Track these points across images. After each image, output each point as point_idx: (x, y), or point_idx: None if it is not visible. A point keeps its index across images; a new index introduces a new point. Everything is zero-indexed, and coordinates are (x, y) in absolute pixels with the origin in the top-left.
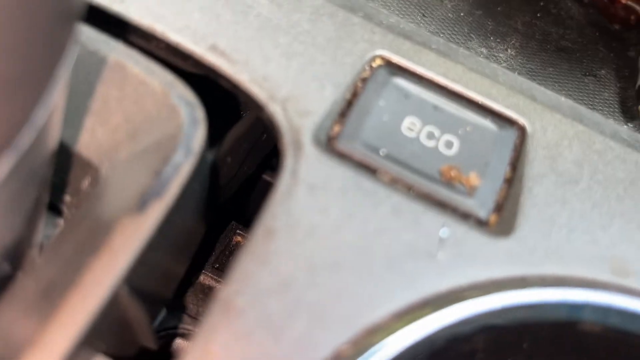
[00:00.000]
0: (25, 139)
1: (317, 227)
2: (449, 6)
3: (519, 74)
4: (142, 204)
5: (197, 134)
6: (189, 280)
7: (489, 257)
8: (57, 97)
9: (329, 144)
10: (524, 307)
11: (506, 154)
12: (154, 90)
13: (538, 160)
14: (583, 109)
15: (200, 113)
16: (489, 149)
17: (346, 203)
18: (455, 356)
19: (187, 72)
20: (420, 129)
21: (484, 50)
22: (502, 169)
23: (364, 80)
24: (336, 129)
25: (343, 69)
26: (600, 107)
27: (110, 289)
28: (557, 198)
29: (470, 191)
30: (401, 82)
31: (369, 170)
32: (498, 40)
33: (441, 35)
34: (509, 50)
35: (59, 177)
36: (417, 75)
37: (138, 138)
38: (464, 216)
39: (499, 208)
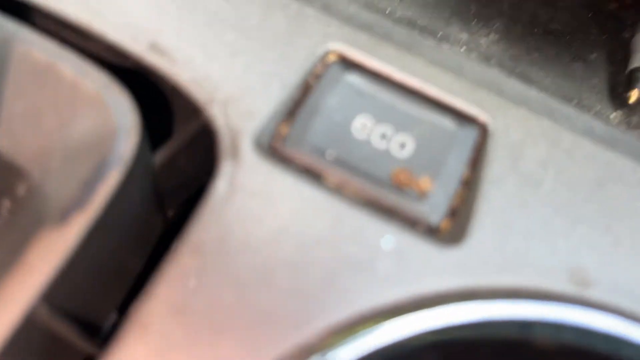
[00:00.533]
0: None
1: (250, 240)
2: None
3: (499, 60)
4: (63, 216)
5: (130, 142)
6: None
7: (436, 268)
8: None
9: (271, 148)
10: (472, 323)
11: (464, 155)
12: (87, 94)
13: (499, 161)
14: (555, 103)
15: (134, 118)
16: (446, 150)
17: (285, 212)
18: None
19: (131, 70)
20: (372, 129)
21: (464, 35)
22: (458, 171)
23: (316, 78)
24: (282, 130)
25: (293, 66)
26: (588, 95)
27: (21, 314)
28: (516, 202)
29: (421, 196)
30: (354, 78)
31: (314, 175)
32: (481, 24)
33: (418, 20)
34: (491, 35)
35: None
36: (372, 71)
37: (72, 144)
38: (412, 223)
39: (452, 213)
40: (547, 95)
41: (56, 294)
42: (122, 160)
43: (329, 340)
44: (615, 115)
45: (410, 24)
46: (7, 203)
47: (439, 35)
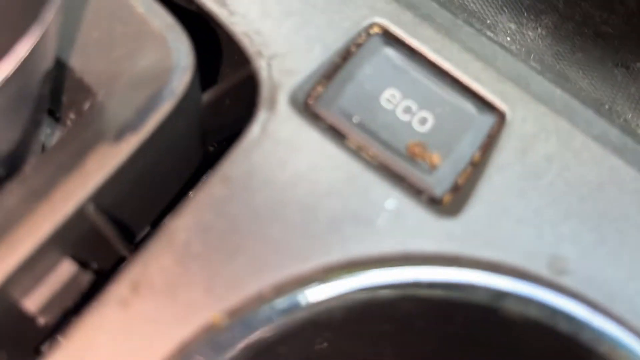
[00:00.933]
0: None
1: (272, 180)
2: None
3: (541, 55)
4: (118, 135)
5: (183, 79)
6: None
7: (429, 233)
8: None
9: (305, 105)
10: (449, 284)
11: (478, 139)
12: (153, 32)
13: (508, 150)
14: (577, 105)
15: (189, 60)
16: (462, 131)
17: (305, 162)
18: (374, 319)
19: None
20: (398, 102)
21: (512, 25)
22: (469, 153)
23: (358, 46)
24: (317, 90)
25: (337, 32)
26: (621, 102)
27: (75, 207)
28: (516, 189)
29: (431, 169)
30: (392, 52)
31: (339, 135)
32: (532, 17)
33: (471, 5)
34: (539, 29)
35: (67, 98)
36: (409, 48)
37: (133, 74)
38: (417, 192)
39: (455, 189)
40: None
41: (103, 198)
42: (175, 94)
43: (318, 276)
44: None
45: (462, 6)
46: (72, 114)
47: (487, 22)
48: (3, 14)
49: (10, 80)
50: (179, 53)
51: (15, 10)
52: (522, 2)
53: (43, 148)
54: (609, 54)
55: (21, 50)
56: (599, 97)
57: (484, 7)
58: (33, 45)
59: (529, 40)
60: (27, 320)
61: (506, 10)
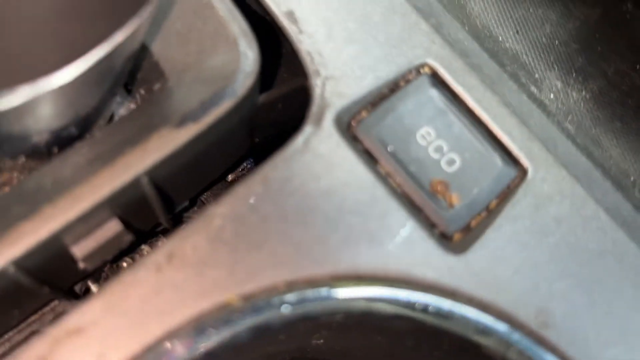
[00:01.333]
0: (122, 35)
1: (304, 189)
2: (548, 31)
3: (580, 118)
4: (181, 122)
5: (246, 83)
6: (222, 186)
7: (432, 264)
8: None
9: (347, 126)
10: (441, 313)
11: (497, 188)
12: (227, 35)
13: (523, 204)
14: (598, 175)
15: (255, 66)
16: (484, 179)
17: (337, 179)
18: (369, 328)
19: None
20: (432, 140)
21: (559, 83)
22: (487, 199)
23: (406, 82)
24: (362, 115)
25: (391, 66)
26: None
27: (133, 177)
28: (522, 241)
29: (448, 207)
30: (436, 94)
31: (372, 159)
32: (580, 79)
33: (525, 56)
34: (584, 92)
35: (141, 75)
36: (453, 93)
37: (203, 69)
38: (432, 225)
39: (467, 230)
40: (604, 161)
41: (157, 173)
42: (236, 95)
43: (326, 281)
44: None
45: (514, 57)
46: (142, 90)
47: (535, 76)
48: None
49: (103, 59)
50: (247, 59)
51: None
52: (573, 63)
53: (112, 115)
54: None
55: (118, 37)
56: (626, 169)
57: (536, 61)
58: (128, 35)
59: (571, 100)
60: (71, 263)
61: (556, 68)
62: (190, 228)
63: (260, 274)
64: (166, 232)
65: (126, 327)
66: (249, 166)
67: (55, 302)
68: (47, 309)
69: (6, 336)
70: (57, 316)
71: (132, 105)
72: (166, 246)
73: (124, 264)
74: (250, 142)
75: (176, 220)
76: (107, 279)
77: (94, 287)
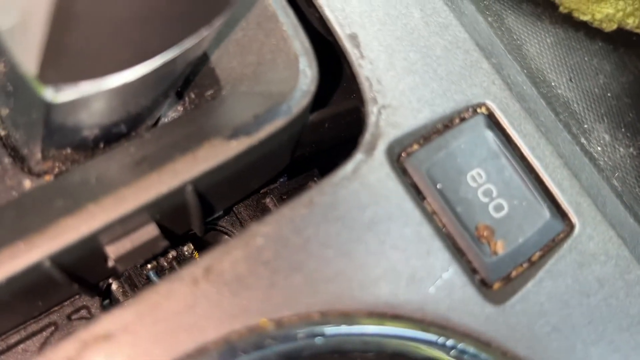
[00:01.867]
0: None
1: (350, 218)
2: (601, 82)
3: (625, 175)
4: (233, 134)
5: (301, 102)
6: (254, 198)
7: (471, 312)
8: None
9: (398, 157)
10: None
11: (543, 240)
12: (289, 51)
13: (567, 260)
14: None
15: (312, 86)
16: (531, 229)
17: (383, 210)
18: None
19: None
20: (482, 183)
21: (606, 137)
22: (531, 250)
23: (462, 120)
24: (413, 148)
25: (448, 101)
26: None
27: (179, 184)
28: (562, 299)
29: (492, 254)
30: (491, 136)
31: (419, 194)
32: (628, 134)
33: (576, 105)
34: (631, 148)
35: (195, 79)
36: (508, 137)
37: (260, 81)
38: (473, 271)
39: (507, 279)
40: None
41: (202, 182)
42: (291, 113)
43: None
44: None
45: (565, 105)
46: (192, 95)
47: (585, 126)
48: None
49: (167, 64)
50: (305, 78)
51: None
52: (623, 117)
53: (160, 116)
54: None
55: (186, 44)
56: None
57: (586, 111)
58: (196, 42)
59: (618, 155)
60: (103, 263)
61: (605, 120)
62: (231, 244)
63: (296, 301)
64: (195, 238)
65: (156, 338)
66: (281, 180)
67: (76, 296)
68: (67, 302)
69: (23, 325)
70: (76, 310)
71: (180, 108)
72: (204, 260)
73: (148, 265)
74: (292, 157)
75: (207, 228)
76: (128, 277)
77: (115, 284)
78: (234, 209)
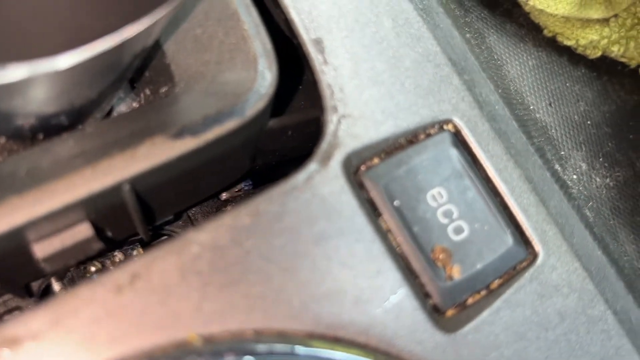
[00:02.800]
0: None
1: (297, 230)
2: (582, 109)
3: (600, 206)
4: (178, 133)
5: (257, 105)
6: (213, 204)
7: (419, 339)
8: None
9: (356, 170)
10: None
11: (503, 268)
12: (248, 51)
13: (527, 290)
14: (612, 274)
15: (271, 89)
16: (491, 255)
17: (334, 225)
18: None
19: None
20: (442, 203)
21: (584, 165)
22: (490, 277)
23: (427, 135)
24: (373, 161)
25: (413, 115)
26: None
27: (114, 182)
28: (518, 331)
29: (447, 279)
30: (456, 154)
31: (374, 210)
32: (606, 164)
33: (553, 130)
34: (608, 179)
35: (150, 75)
36: (474, 157)
37: (215, 81)
38: (426, 295)
39: (462, 307)
40: (618, 257)
41: (141, 183)
42: (244, 116)
43: (299, 338)
44: None
45: (543, 130)
46: (148, 90)
47: (561, 153)
48: None
49: (108, 52)
50: (264, 80)
51: None
52: (601, 146)
53: (112, 109)
54: None
55: (127, 33)
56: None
57: (564, 137)
58: (139, 32)
59: (594, 185)
60: (30, 262)
61: (584, 148)
62: (163, 250)
63: (230, 316)
64: (144, 242)
65: (68, 349)
66: (245, 187)
67: (9, 296)
68: None
69: None
70: (9, 311)
71: (135, 104)
72: (132, 265)
73: (92, 268)
74: (252, 164)
75: (156, 234)
76: (72, 280)
77: (56, 286)
78: (189, 213)
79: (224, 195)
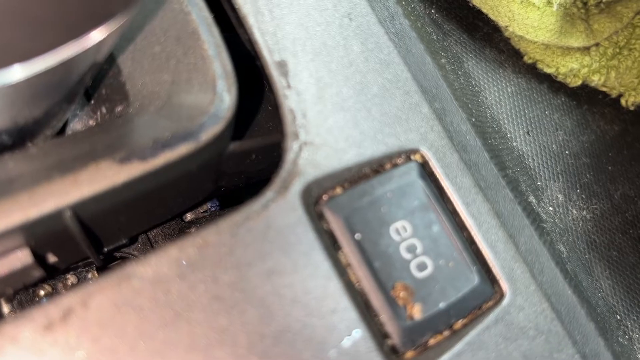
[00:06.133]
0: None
1: (247, 265)
2: (560, 138)
3: (575, 239)
4: (126, 157)
5: (213, 129)
6: (176, 225)
7: None
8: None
9: (316, 201)
10: None
11: (468, 307)
12: (207, 72)
13: (492, 332)
14: (582, 315)
15: (229, 112)
16: (455, 293)
17: (288, 259)
18: None
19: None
20: (406, 238)
21: (560, 196)
22: (453, 318)
23: (393, 165)
24: (335, 191)
25: (379, 144)
26: (634, 317)
27: (53, 209)
28: None
29: (407, 318)
30: (422, 186)
31: (333, 243)
32: (583, 196)
33: (530, 160)
34: (585, 212)
35: (106, 92)
36: (441, 189)
37: (170, 102)
38: (384, 336)
39: (422, 349)
40: (591, 294)
41: (85, 209)
42: (198, 140)
43: None
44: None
45: (519, 159)
46: (104, 108)
47: (538, 184)
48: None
49: (47, 72)
50: (222, 103)
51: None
52: (579, 177)
53: (65, 125)
54: None
55: (66, 52)
56: (614, 305)
57: (541, 167)
58: (81, 51)
59: (570, 218)
60: None
61: (561, 179)
62: (101, 284)
63: (168, 357)
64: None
65: None
66: (212, 208)
67: None
68: None
69: None
70: None
71: (91, 122)
72: (67, 300)
73: (42, 292)
74: (216, 186)
75: (109, 257)
76: (20, 303)
77: (5, 308)
78: (149, 235)
79: (188, 216)
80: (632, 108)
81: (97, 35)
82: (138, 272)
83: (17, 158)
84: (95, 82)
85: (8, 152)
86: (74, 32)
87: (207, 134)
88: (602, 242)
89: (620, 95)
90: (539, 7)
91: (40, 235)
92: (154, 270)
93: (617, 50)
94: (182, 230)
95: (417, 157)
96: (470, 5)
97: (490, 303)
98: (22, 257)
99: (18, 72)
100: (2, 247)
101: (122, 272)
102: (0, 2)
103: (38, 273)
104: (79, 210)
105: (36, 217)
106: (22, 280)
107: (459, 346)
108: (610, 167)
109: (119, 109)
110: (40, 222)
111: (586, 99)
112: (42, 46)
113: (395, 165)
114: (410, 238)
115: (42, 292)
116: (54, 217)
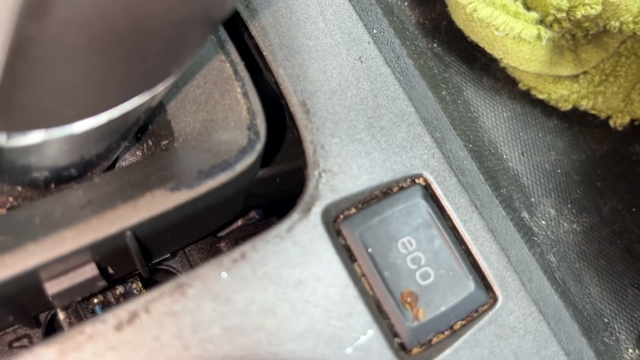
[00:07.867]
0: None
1: (277, 275)
2: (552, 158)
3: (566, 249)
4: (175, 186)
5: (246, 161)
6: (208, 241)
7: None
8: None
9: (334, 220)
10: None
11: (466, 311)
12: (240, 112)
13: (486, 332)
14: (567, 317)
15: (259, 146)
16: (454, 299)
17: (311, 269)
18: None
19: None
20: (412, 251)
21: (552, 211)
22: (453, 319)
23: (400, 188)
24: (350, 212)
25: (387, 171)
26: (621, 320)
27: (117, 230)
28: None
29: (413, 320)
30: (424, 206)
31: (350, 256)
32: (574, 210)
33: (525, 178)
34: (575, 225)
35: (153, 128)
36: (441, 208)
37: (210, 137)
38: (393, 335)
39: (427, 346)
40: (580, 299)
41: (142, 229)
42: (234, 171)
43: None
44: (632, 353)
45: (514, 177)
46: (150, 142)
47: (531, 200)
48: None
49: (112, 120)
50: (253, 138)
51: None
52: (570, 193)
53: (117, 158)
54: (630, 272)
55: (133, 103)
56: (602, 309)
57: (535, 185)
58: (144, 101)
59: (561, 230)
60: (41, 298)
61: (553, 195)
62: (159, 291)
63: (213, 353)
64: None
65: None
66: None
67: (19, 325)
68: (9, 329)
69: None
70: (18, 338)
71: (138, 152)
72: (130, 305)
73: (95, 300)
74: (244, 206)
75: (155, 269)
76: (75, 310)
77: (61, 315)
78: (185, 250)
79: (221, 233)
80: (619, 129)
81: (160, 88)
82: (188, 283)
83: (84, 187)
84: (144, 122)
85: (74, 182)
86: (140, 88)
87: (242, 165)
88: (592, 252)
89: (609, 117)
90: (529, 42)
91: (105, 252)
92: (202, 281)
93: (604, 77)
94: (212, 244)
95: (420, 180)
96: (469, 39)
97: (485, 307)
98: (89, 270)
99: (90, 123)
100: (75, 262)
101: (175, 282)
102: (88, 67)
103: (101, 283)
104: (137, 230)
105: (104, 237)
106: (89, 290)
107: (458, 344)
108: (599, 184)
109: (164, 142)
110: (106, 241)
111: (577, 121)
112: (114, 100)
113: (401, 189)
114: (415, 251)
115: (95, 300)
116: (118, 237)
